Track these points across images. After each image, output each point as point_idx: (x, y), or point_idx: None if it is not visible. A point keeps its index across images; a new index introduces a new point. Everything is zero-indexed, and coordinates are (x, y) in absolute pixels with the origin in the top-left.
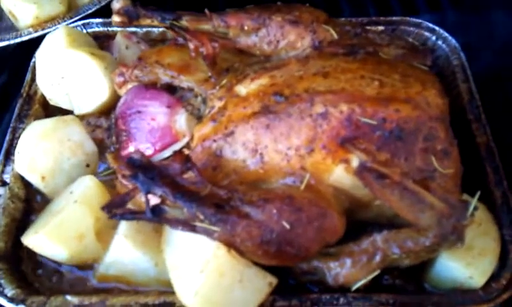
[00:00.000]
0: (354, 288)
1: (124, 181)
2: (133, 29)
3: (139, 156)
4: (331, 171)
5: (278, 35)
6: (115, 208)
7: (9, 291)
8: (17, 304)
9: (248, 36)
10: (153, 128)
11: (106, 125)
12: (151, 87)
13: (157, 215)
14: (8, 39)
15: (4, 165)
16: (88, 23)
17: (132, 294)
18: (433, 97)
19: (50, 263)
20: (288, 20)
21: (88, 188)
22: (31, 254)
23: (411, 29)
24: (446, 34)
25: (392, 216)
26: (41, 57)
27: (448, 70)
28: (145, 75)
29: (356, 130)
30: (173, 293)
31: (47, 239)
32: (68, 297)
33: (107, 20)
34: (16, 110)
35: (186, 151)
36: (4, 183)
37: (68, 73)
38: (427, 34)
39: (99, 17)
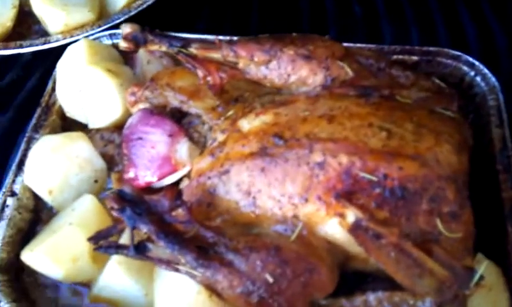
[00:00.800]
0: None
1: (113, 213)
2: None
3: (129, 189)
4: (325, 224)
5: (289, 69)
6: (101, 239)
7: (5, 304)
8: None
9: (258, 68)
10: (153, 156)
11: (118, 140)
12: (156, 113)
13: (140, 253)
14: (36, 45)
15: (16, 176)
16: (115, 34)
17: None
18: (445, 154)
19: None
20: (301, 54)
21: (87, 210)
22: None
23: (449, 61)
24: (486, 71)
25: None
26: (61, 69)
27: (484, 111)
28: (155, 98)
29: (355, 184)
30: None
31: (43, 257)
32: None
33: None
34: (34, 120)
35: (186, 181)
36: (13, 194)
37: (85, 87)
38: (465, 68)
39: None
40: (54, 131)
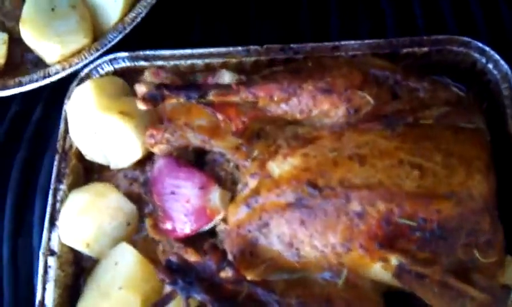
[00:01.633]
0: None
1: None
2: (160, 63)
3: (176, 259)
4: (370, 268)
5: (310, 105)
6: None
7: None
8: None
9: (278, 106)
10: (188, 210)
11: (142, 179)
12: (183, 164)
13: None
14: (37, 80)
15: (50, 231)
16: (115, 59)
17: None
18: (477, 186)
19: None
20: (320, 89)
21: (132, 269)
22: None
23: (460, 49)
24: (497, 57)
25: None
26: (72, 112)
27: (500, 102)
28: (176, 140)
29: (395, 230)
30: None
31: None
32: None
33: (133, 54)
34: (55, 170)
35: (221, 225)
36: (53, 253)
37: (100, 130)
38: (476, 55)
39: (125, 49)
40: (77, 176)
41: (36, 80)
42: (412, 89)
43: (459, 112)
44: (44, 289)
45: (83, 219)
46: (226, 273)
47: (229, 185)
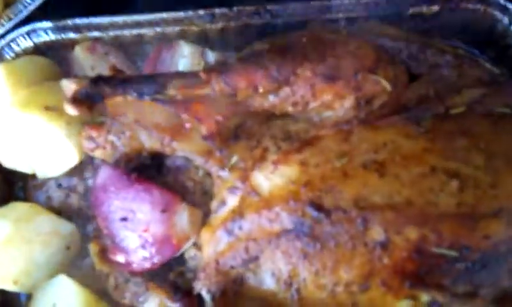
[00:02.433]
0: None
1: None
2: (96, 34)
3: None
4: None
5: (308, 96)
6: None
7: None
8: None
9: (264, 98)
10: (147, 241)
11: (82, 188)
12: (135, 177)
13: None
14: None
15: None
16: (34, 30)
17: None
18: None
19: None
20: (322, 74)
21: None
22: None
23: (477, 6)
24: None
25: None
26: None
27: None
28: (124, 144)
29: (428, 262)
30: None
31: None
32: None
33: (59, 23)
34: None
35: (192, 251)
36: None
37: (20, 132)
38: (496, 14)
39: (48, 19)
40: None
41: None
42: (433, 65)
43: (494, 94)
44: None
45: (6, 252)
46: None
47: (199, 199)
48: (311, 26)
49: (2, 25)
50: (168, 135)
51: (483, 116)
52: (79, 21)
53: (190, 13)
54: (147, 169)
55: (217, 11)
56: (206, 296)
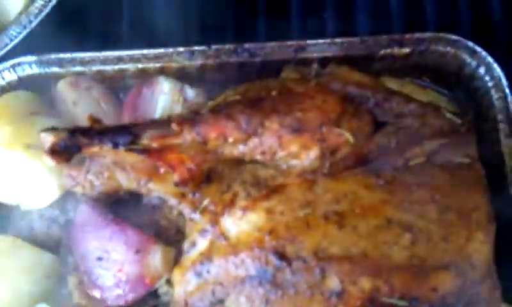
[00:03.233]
0: None
1: None
2: (79, 69)
3: None
4: None
5: (275, 146)
6: None
7: None
8: None
9: (233, 147)
10: (121, 280)
11: (63, 219)
12: (111, 219)
13: None
14: None
15: None
16: (19, 64)
17: None
18: (479, 249)
19: None
20: (288, 126)
21: None
22: None
23: (447, 49)
24: (490, 60)
25: None
26: None
27: (489, 114)
28: (102, 184)
29: None
30: None
31: None
32: None
33: (43, 58)
34: None
35: (165, 288)
36: None
37: (5, 168)
38: (465, 57)
39: (32, 53)
40: None
41: None
42: (397, 114)
43: (453, 144)
44: None
45: None
46: None
47: (172, 237)
48: (287, 66)
49: None
50: (144, 176)
51: (441, 166)
52: (62, 55)
53: (170, 50)
54: (125, 204)
55: (196, 48)
56: None
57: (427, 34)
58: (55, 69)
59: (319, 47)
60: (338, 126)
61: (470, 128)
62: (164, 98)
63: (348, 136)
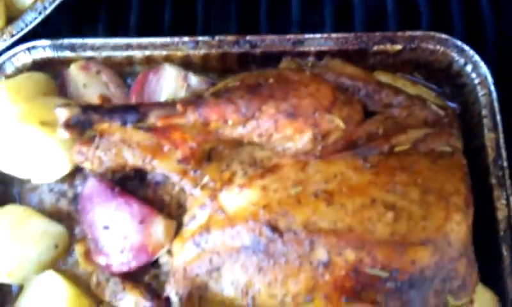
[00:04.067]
0: None
1: None
2: (90, 54)
3: None
4: None
5: (271, 129)
6: None
7: None
8: None
9: (233, 129)
10: (125, 247)
11: (71, 194)
12: (118, 191)
13: None
14: None
15: None
16: (34, 47)
17: None
18: (455, 229)
19: None
20: (284, 111)
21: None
22: None
23: (436, 47)
24: (477, 59)
25: None
26: None
27: (475, 109)
28: (110, 160)
29: (364, 280)
30: None
31: None
32: None
33: (56, 42)
34: None
35: (165, 257)
36: None
37: (18, 143)
38: (453, 55)
39: (46, 36)
40: None
41: None
42: (386, 104)
43: (437, 134)
44: None
45: (2, 249)
46: None
47: (174, 211)
48: (285, 57)
49: (4, 40)
50: (148, 154)
51: (425, 154)
52: (74, 41)
53: (176, 39)
54: (130, 181)
55: (200, 38)
56: (174, 298)
57: (418, 33)
58: (67, 53)
59: (315, 41)
60: (330, 113)
61: (453, 120)
62: (169, 84)
63: (339, 122)
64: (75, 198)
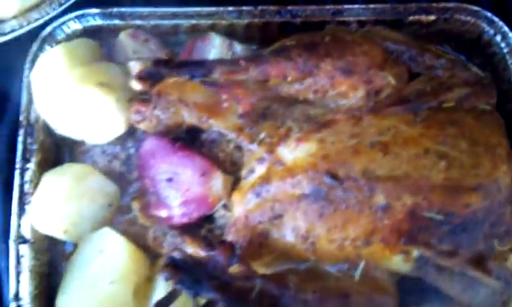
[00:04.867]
0: None
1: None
2: (138, 23)
3: (180, 255)
4: (388, 260)
5: (327, 86)
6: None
7: None
8: None
9: (290, 85)
10: (188, 199)
11: (124, 155)
12: (179, 146)
13: None
14: None
15: (19, 217)
16: (83, 15)
17: None
18: (503, 177)
19: None
20: (340, 68)
21: (121, 260)
22: None
23: (467, 18)
24: (506, 29)
25: None
26: (38, 82)
27: (505, 75)
28: (168, 118)
29: (419, 223)
30: None
31: None
32: None
33: (106, 11)
34: (20, 147)
35: (222, 212)
36: (25, 241)
37: (75, 103)
38: (484, 25)
39: (95, 5)
40: (46, 153)
41: None
42: (429, 66)
43: (478, 93)
44: (18, 281)
45: (61, 205)
46: (235, 269)
47: (229, 168)
48: (326, 27)
49: (53, 9)
50: (205, 113)
51: (468, 110)
52: (123, 9)
53: (220, 9)
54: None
55: (244, 8)
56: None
57: (451, 4)
58: (116, 21)
59: (354, 11)
60: (382, 71)
61: (491, 82)
62: (215, 51)
63: (390, 79)
64: (128, 159)
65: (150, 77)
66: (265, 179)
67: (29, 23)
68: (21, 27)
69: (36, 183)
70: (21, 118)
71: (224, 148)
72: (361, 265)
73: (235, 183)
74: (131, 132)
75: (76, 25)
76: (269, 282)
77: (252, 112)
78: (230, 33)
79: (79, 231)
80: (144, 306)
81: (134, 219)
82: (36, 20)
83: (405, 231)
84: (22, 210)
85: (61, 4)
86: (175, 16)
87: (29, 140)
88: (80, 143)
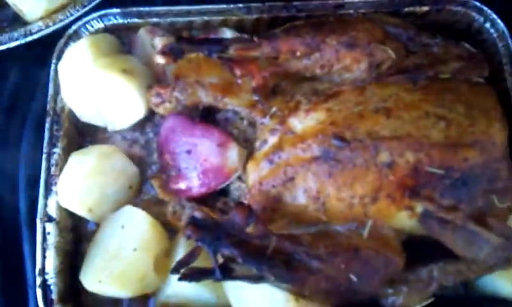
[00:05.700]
0: None
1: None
2: (155, 20)
3: (202, 215)
4: (394, 216)
5: (333, 59)
6: (182, 268)
7: None
8: None
9: (299, 61)
10: (206, 168)
11: (143, 140)
12: (199, 121)
13: (226, 275)
14: (18, 39)
15: (46, 198)
16: (105, 15)
17: None
18: (498, 133)
19: None
20: (344, 43)
21: (143, 231)
22: None
23: (458, 8)
24: (494, 16)
25: None
26: (65, 72)
27: (495, 59)
28: (186, 99)
29: (422, 178)
30: None
31: (112, 286)
32: None
33: (126, 10)
34: (47, 133)
35: (237, 184)
36: (51, 219)
37: (99, 91)
38: (474, 14)
39: (116, 5)
40: (71, 140)
41: (16, 39)
42: (425, 44)
43: (471, 67)
44: (44, 257)
45: (87, 183)
46: (252, 229)
47: (243, 144)
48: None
49: (77, 10)
50: (221, 93)
51: (463, 81)
52: (141, 9)
53: (231, 6)
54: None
55: (252, 5)
56: None
57: None
58: (135, 20)
59: (354, 5)
60: (383, 45)
61: (483, 59)
62: None
63: (390, 52)
64: (147, 144)
65: (173, 52)
66: (278, 147)
67: (54, 24)
68: (47, 27)
69: (61, 166)
70: (48, 107)
71: (238, 125)
72: (369, 223)
73: (248, 156)
74: (149, 118)
75: (98, 25)
76: (283, 240)
77: (264, 87)
78: (240, 28)
79: (101, 210)
80: (163, 280)
81: (152, 199)
82: (61, 20)
83: (409, 186)
84: (48, 191)
85: (84, 6)
86: (188, 13)
87: (55, 127)
88: (102, 130)
